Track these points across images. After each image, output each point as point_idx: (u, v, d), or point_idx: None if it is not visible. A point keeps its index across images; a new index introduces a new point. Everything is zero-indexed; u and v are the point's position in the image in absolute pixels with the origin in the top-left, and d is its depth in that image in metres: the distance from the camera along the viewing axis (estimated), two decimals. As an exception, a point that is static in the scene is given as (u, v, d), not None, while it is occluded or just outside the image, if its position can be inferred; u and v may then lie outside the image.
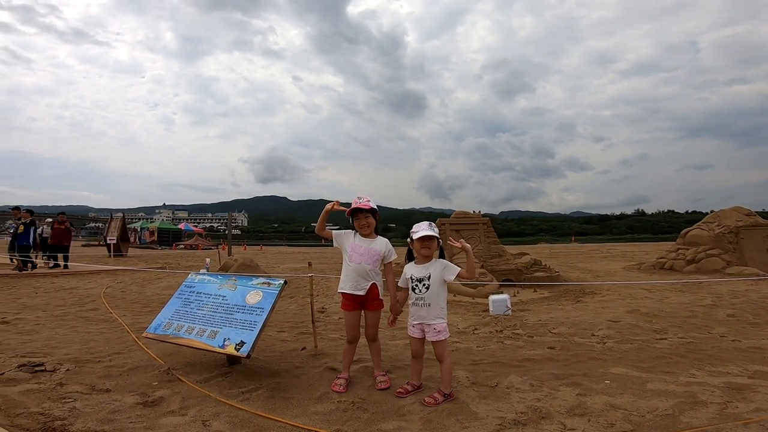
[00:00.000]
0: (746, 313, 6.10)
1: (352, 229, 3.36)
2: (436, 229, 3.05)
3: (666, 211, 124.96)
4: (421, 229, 3.04)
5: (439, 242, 3.10)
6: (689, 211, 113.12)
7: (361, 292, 3.21)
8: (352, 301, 3.25)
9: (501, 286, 9.79)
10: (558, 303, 7.70)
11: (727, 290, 8.03)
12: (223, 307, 3.60)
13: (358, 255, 3.22)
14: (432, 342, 3.01)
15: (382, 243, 3.31)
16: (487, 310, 6.64)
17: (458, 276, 3.01)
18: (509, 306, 6.52)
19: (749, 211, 12.41)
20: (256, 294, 3.61)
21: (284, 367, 3.65)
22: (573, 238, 71.38)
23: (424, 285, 3.03)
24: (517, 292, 8.99)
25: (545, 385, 3.27)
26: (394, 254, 3.38)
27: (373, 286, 3.25)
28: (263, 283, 3.74)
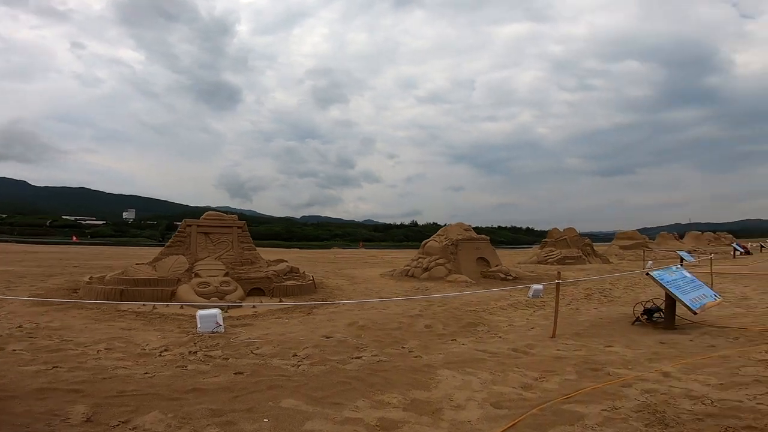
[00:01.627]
0: (439, 323, 6.88)
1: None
2: None
3: (432, 223, 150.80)
4: None
5: None
6: (446, 224, 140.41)
7: None
8: None
9: (248, 295, 8.88)
10: (289, 315, 7.28)
11: (440, 297, 9.25)
12: None
13: None
14: None
15: None
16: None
17: None
18: (220, 322, 5.61)
19: (468, 227, 15.37)
20: None
21: None
22: (361, 243, 78.10)
23: None
24: (260, 302, 8.24)
25: (188, 425, 2.80)
26: None
27: None
28: None
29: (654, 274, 5.55)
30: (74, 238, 58.88)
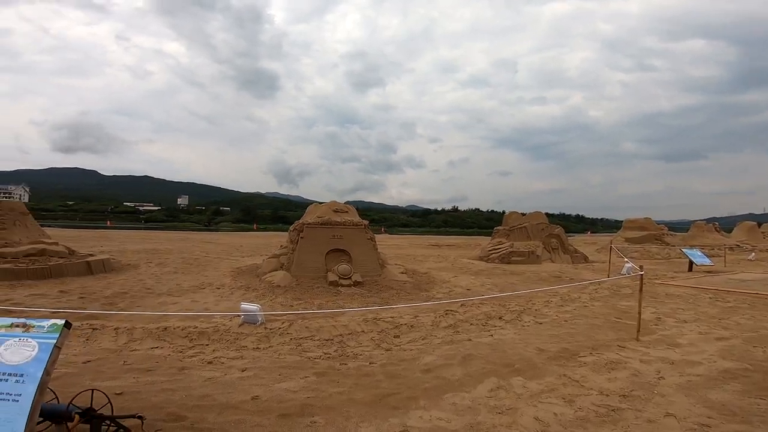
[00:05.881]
0: None
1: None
2: None
3: (474, 209, 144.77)
4: None
5: None
6: (489, 210, 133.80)
7: None
8: None
9: None
10: None
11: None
12: None
13: None
14: None
15: None
16: None
17: None
18: None
19: (348, 208, 12.11)
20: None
21: None
22: (383, 229, 75.74)
23: None
24: None
25: None
26: None
27: None
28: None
29: None
30: (108, 222, 67.04)
